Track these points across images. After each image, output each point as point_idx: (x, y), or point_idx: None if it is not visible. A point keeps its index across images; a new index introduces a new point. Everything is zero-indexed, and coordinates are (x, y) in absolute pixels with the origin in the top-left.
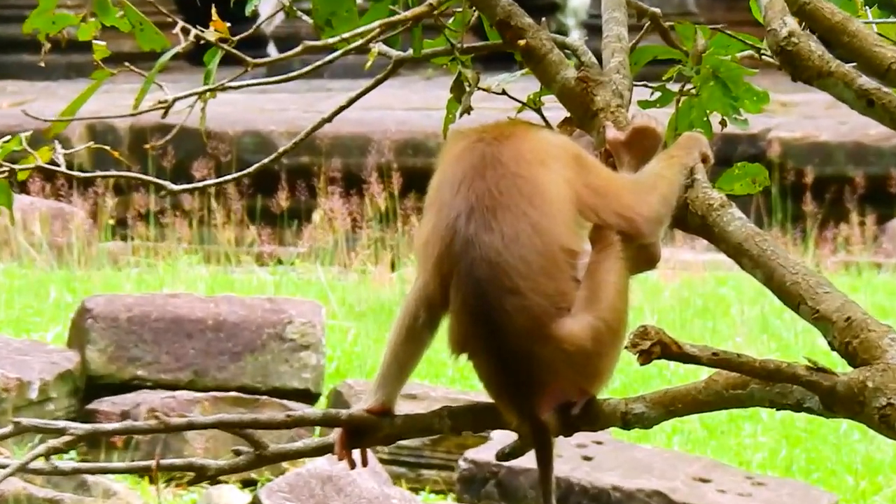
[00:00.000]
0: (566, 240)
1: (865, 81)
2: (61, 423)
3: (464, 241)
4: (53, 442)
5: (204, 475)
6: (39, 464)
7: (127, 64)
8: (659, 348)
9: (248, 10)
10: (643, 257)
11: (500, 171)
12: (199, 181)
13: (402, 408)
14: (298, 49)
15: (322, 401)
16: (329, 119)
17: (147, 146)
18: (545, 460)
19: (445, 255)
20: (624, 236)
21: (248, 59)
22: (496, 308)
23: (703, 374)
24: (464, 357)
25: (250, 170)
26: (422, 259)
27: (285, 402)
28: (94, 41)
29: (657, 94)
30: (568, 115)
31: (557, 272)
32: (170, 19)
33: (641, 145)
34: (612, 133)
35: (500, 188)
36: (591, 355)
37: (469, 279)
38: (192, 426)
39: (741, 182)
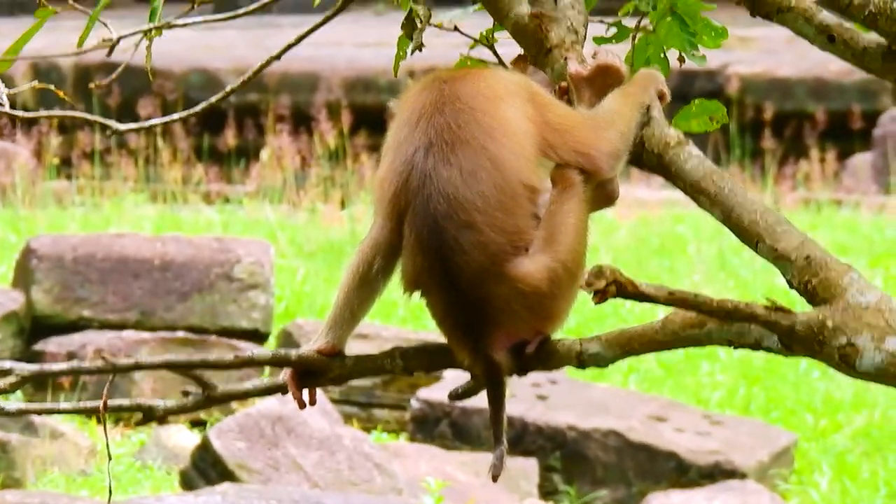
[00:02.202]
0: (526, 175)
1: (826, 16)
2: (7, 364)
3: (421, 175)
4: None
5: (152, 416)
6: None
7: (71, 1)
8: (615, 287)
9: None
10: (602, 195)
11: (458, 106)
12: (144, 120)
13: (353, 348)
14: None
15: (271, 341)
16: (278, 56)
17: (92, 85)
18: (497, 400)
19: (402, 191)
20: (583, 173)
21: None
22: (451, 244)
23: (659, 313)
24: (416, 296)
25: (197, 108)
26: (378, 198)
27: (234, 342)
28: None
29: (613, 31)
30: (521, 52)
31: (516, 208)
32: None
33: (603, 82)
34: (574, 67)
35: (460, 122)
36: (546, 296)
37: (425, 214)
38: (139, 366)
39: (698, 119)
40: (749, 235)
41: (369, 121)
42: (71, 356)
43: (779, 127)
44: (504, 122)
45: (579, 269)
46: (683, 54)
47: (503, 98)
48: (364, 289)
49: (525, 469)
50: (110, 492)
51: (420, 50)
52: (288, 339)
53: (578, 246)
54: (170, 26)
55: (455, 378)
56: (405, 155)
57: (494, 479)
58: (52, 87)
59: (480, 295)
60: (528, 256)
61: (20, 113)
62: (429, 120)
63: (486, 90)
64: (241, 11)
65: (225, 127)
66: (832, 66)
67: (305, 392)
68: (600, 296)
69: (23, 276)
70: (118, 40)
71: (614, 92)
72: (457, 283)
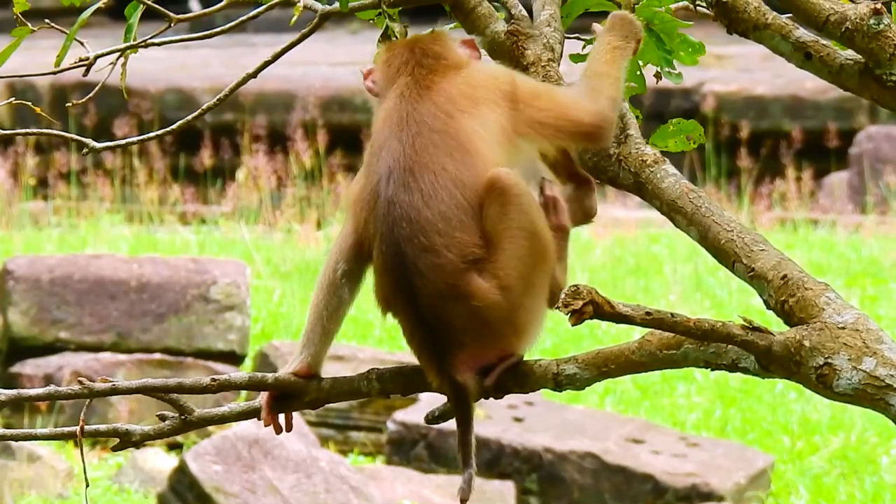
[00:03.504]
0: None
1: (803, 34)
2: None
3: (385, 203)
4: None
5: (129, 441)
6: None
7: (47, 21)
8: (591, 308)
9: None
10: (579, 211)
11: (415, 129)
12: (120, 139)
13: (330, 369)
14: (222, 3)
15: (248, 362)
16: (254, 75)
17: (68, 105)
18: (464, 422)
19: (370, 218)
20: (582, 145)
21: (171, 14)
22: (411, 268)
23: (636, 333)
24: (389, 314)
25: (173, 127)
26: (350, 215)
27: (210, 363)
28: None
29: (590, 48)
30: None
31: (478, 223)
32: None
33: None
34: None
35: (417, 147)
36: (503, 312)
37: (390, 240)
38: (116, 391)
39: (676, 139)
40: (725, 255)
41: (345, 140)
42: (48, 378)
43: (755, 145)
44: (466, 138)
45: (538, 283)
46: (660, 71)
47: (467, 110)
48: (331, 296)
49: (501, 491)
50: None
51: None
52: (264, 361)
53: (532, 258)
54: (146, 45)
55: (432, 400)
56: (371, 184)
57: (462, 502)
58: (29, 103)
59: (441, 316)
60: (481, 273)
61: None
62: (389, 148)
63: (448, 104)
64: (216, 30)
65: (201, 147)
66: (808, 85)
67: (282, 417)
68: (577, 316)
69: None
70: (95, 59)
71: (597, 47)
72: (418, 305)
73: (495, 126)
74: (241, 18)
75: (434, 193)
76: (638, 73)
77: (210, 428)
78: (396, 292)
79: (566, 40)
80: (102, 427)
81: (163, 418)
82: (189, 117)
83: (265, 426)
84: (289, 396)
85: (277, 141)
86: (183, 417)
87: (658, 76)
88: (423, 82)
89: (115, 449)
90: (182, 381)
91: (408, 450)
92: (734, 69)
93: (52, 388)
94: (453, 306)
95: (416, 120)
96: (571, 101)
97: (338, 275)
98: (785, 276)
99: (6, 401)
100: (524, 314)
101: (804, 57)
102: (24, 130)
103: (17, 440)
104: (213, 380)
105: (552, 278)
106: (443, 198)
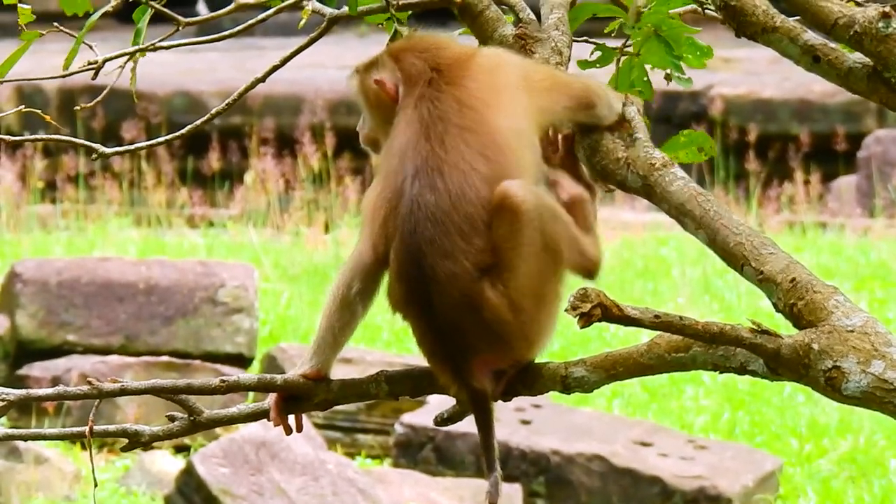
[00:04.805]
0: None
1: (811, 37)
2: None
3: (410, 202)
4: None
5: (138, 442)
6: None
7: (56, 25)
8: (599, 311)
9: None
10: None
11: (441, 127)
12: (129, 143)
13: (338, 372)
14: (231, 7)
15: (255, 365)
16: (262, 79)
17: (77, 108)
18: (486, 426)
19: (391, 217)
20: (584, 121)
21: (179, 17)
22: (428, 273)
23: (644, 336)
24: (400, 317)
25: (182, 132)
26: (367, 223)
27: (218, 366)
28: (19, 4)
29: (598, 53)
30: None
31: None
32: None
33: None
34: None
35: (447, 146)
36: (511, 325)
37: (410, 241)
38: (125, 392)
39: (687, 150)
40: (734, 258)
41: (353, 143)
42: (55, 381)
43: (763, 149)
44: (497, 135)
45: (550, 294)
46: (669, 75)
47: (492, 103)
48: (344, 312)
49: (509, 494)
50: None
51: None
52: (272, 364)
53: (544, 273)
54: (154, 48)
55: (440, 403)
56: (395, 184)
57: None
58: (38, 111)
59: (455, 324)
60: (493, 285)
61: (5, 137)
62: (416, 147)
63: (473, 99)
64: (225, 33)
65: (209, 150)
66: (816, 88)
67: (291, 418)
68: (585, 319)
69: (7, 301)
70: (103, 62)
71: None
72: (433, 312)
73: (521, 114)
74: (249, 22)
75: (463, 194)
76: (645, 78)
77: (217, 430)
78: (411, 297)
79: (574, 44)
80: (111, 427)
81: (172, 419)
82: (198, 121)
83: (274, 427)
84: (297, 398)
85: (285, 144)
86: (192, 418)
87: (668, 77)
88: (443, 79)
89: (123, 449)
90: (191, 382)
91: (415, 452)
92: (742, 72)
93: (60, 388)
94: (467, 315)
95: (441, 118)
96: (572, 76)
97: (352, 293)
98: (794, 279)
99: (15, 400)
100: (536, 326)
101: (812, 60)
102: (33, 137)
103: (25, 440)
104: (222, 381)
105: (581, 254)
106: (471, 199)
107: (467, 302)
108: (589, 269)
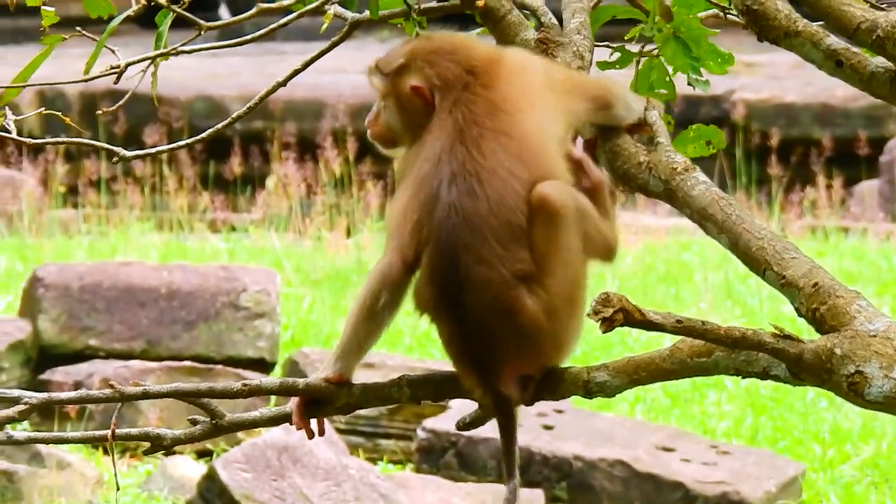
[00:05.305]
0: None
1: (834, 41)
2: (16, 392)
3: (446, 207)
4: (7, 411)
5: (160, 445)
6: None
7: (78, 29)
8: (622, 315)
9: None
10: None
11: (477, 132)
12: (150, 147)
13: (359, 376)
14: (252, 11)
15: (277, 370)
16: (284, 83)
17: (98, 112)
18: (508, 433)
19: (425, 220)
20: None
21: (201, 21)
22: (463, 280)
23: (666, 341)
24: (425, 319)
25: (203, 135)
26: (395, 230)
27: (240, 371)
28: (42, 7)
29: (617, 56)
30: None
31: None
32: None
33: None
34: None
35: (484, 151)
36: (547, 333)
37: (446, 246)
38: (147, 395)
39: (695, 144)
40: (757, 262)
41: (375, 148)
42: (77, 386)
43: (785, 153)
44: (532, 139)
45: (579, 300)
46: (687, 77)
47: (523, 107)
48: (370, 322)
49: (531, 499)
50: None
51: None
52: (294, 369)
53: (579, 279)
54: (176, 53)
55: (462, 408)
56: (430, 188)
57: None
58: (59, 113)
59: (487, 329)
60: (530, 292)
61: (28, 140)
62: (453, 152)
63: (505, 102)
64: (247, 38)
65: (230, 155)
66: (838, 92)
67: (313, 422)
68: (607, 324)
69: (29, 306)
70: (126, 67)
71: None
72: (465, 317)
73: (550, 116)
74: (270, 26)
75: (502, 201)
76: (667, 79)
77: (239, 435)
78: (443, 300)
79: (595, 48)
80: (134, 431)
81: (194, 423)
82: (219, 125)
83: (297, 430)
84: (320, 402)
85: (307, 149)
86: (214, 422)
87: (692, 83)
88: (479, 82)
89: (146, 453)
90: (213, 385)
91: (437, 457)
92: (764, 77)
93: (83, 391)
94: (500, 322)
95: (476, 122)
96: (588, 76)
97: (379, 304)
98: (816, 283)
99: (37, 404)
100: (568, 331)
101: (835, 65)
102: (55, 140)
103: (47, 443)
104: (245, 384)
105: (602, 237)
106: (510, 205)
107: (502, 308)
108: (608, 255)
